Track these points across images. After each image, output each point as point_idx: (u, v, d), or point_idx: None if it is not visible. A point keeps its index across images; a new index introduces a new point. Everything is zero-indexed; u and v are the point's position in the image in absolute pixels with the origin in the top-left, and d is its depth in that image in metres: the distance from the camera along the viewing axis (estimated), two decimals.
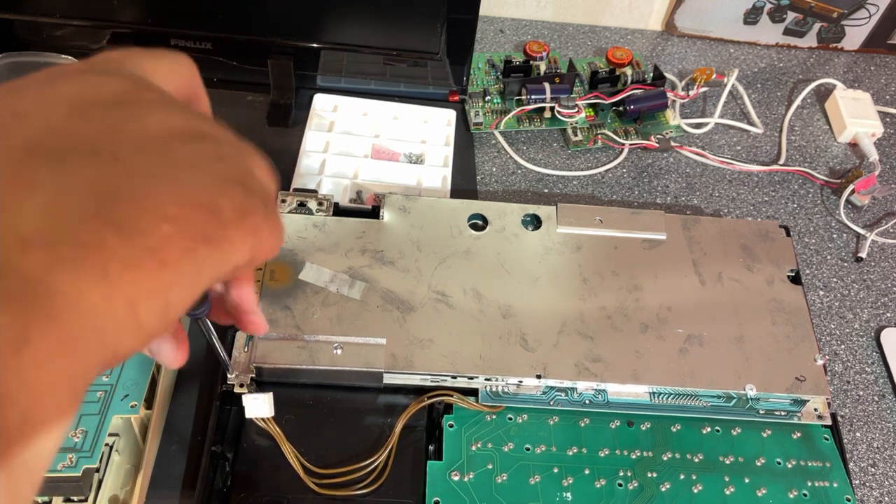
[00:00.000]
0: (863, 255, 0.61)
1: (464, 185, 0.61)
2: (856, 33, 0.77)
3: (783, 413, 0.46)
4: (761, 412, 0.46)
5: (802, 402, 0.46)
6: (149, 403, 0.43)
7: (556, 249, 0.50)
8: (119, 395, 0.41)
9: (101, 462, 0.40)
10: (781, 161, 0.67)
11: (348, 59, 0.64)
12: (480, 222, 0.51)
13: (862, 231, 0.62)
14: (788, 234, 0.53)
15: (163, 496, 0.42)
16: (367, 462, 0.42)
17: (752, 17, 0.76)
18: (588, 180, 0.64)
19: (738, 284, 0.49)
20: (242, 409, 0.43)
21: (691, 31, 0.78)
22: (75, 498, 0.39)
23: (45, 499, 0.39)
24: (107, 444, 0.40)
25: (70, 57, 0.61)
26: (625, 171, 0.65)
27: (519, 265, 0.49)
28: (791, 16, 0.76)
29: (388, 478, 0.42)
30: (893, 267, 0.61)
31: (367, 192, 0.57)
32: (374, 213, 0.52)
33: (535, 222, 0.52)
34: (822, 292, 0.58)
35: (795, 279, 0.50)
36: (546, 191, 0.62)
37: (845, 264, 0.60)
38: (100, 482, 0.40)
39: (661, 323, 0.47)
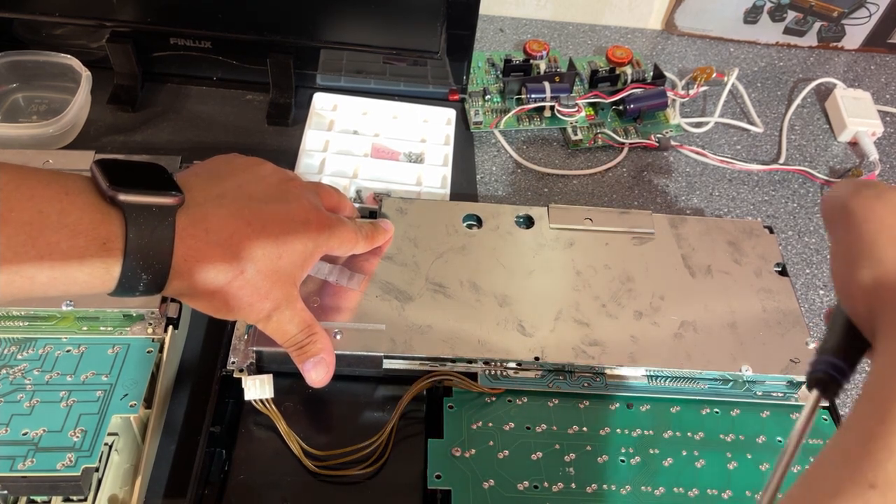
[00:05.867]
0: None
1: (463, 184, 0.61)
2: (856, 32, 0.77)
3: (780, 395, 0.47)
4: (759, 394, 0.46)
5: (798, 385, 0.47)
6: (148, 403, 0.43)
7: (549, 245, 0.51)
8: (118, 394, 0.41)
9: (100, 461, 0.40)
10: (781, 160, 0.67)
11: (348, 58, 0.64)
12: (475, 222, 0.52)
13: None
14: (772, 232, 0.54)
15: (162, 495, 0.42)
16: (367, 443, 0.42)
17: (752, 16, 0.76)
18: (588, 179, 0.64)
19: (727, 276, 0.51)
20: (241, 399, 0.43)
21: (691, 30, 0.78)
22: (75, 497, 0.39)
23: (45, 498, 0.39)
24: (106, 444, 0.40)
25: (70, 56, 0.61)
26: (625, 170, 0.65)
27: (513, 260, 0.50)
28: (791, 15, 0.76)
29: (389, 459, 0.43)
30: None
31: (367, 192, 0.57)
32: (372, 216, 0.52)
33: (527, 222, 0.53)
34: (822, 292, 0.58)
35: (782, 273, 0.51)
36: (546, 190, 0.62)
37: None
38: (99, 482, 0.40)
39: (654, 311, 0.48)
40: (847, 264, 0.26)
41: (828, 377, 0.27)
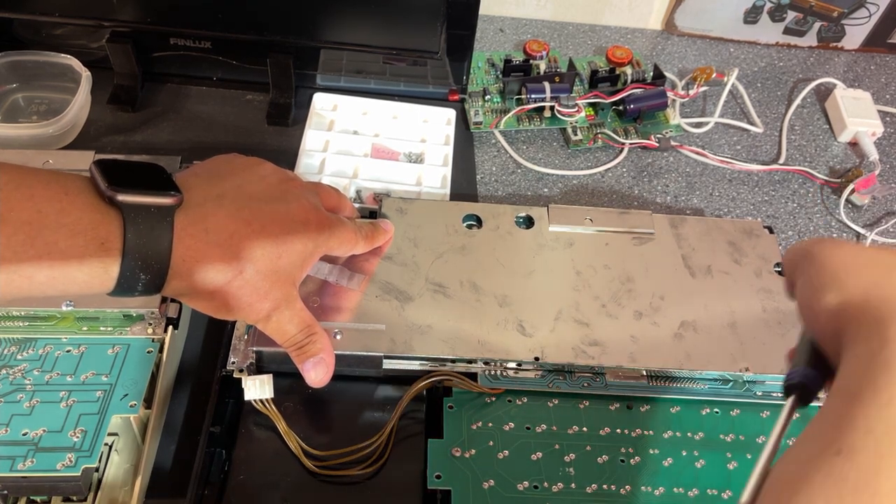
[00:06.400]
0: None
1: (463, 184, 0.61)
2: (856, 32, 0.77)
3: (780, 395, 0.47)
4: (759, 394, 0.46)
5: None
6: (148, 403, 0.42)
7: (549, 245, 0.51)
8: (118, 394, 0.41)
9: (100, 462, 0.40)
10: (781, 160, 0.67)
11: (348, 58, 0.64)
12: (475, 222, 0.52)
13: (862, 230, 0.62)
14: (772, 232, 0.54)
15: (162, 496, 0.42)
16: (366, 443, 0.42)
17: (752, 16, 0.76)
18: (588, 179, 0.64)
19: (727, 276, 0.51)
20: (241, 399, 0.43)
21: (691, 30, 0.78)
22: (74, 497, 0.39)
23: (45, 498, 0.39)
24: (106, 444, 0.40)
25: (70, 56, 0.61)
26: (625, 170, 0.65)
27: (513, 260, 0.50)
28: (791, 15, 0.76)
29: (389, 459, 0.43)
30: None
31: (367, 192, 0.57)
32: (372, 216, 0.52)
33: (527, 222, 0.53)
34: None
35: (782, 273, 0.51)
36: (546, 190, 0.62)
37: None
38: (99, 482, 0.40)
39: (654, 311, 0.48)
40: (814, 294, 0.30)
41: (805, 381, 0.30)
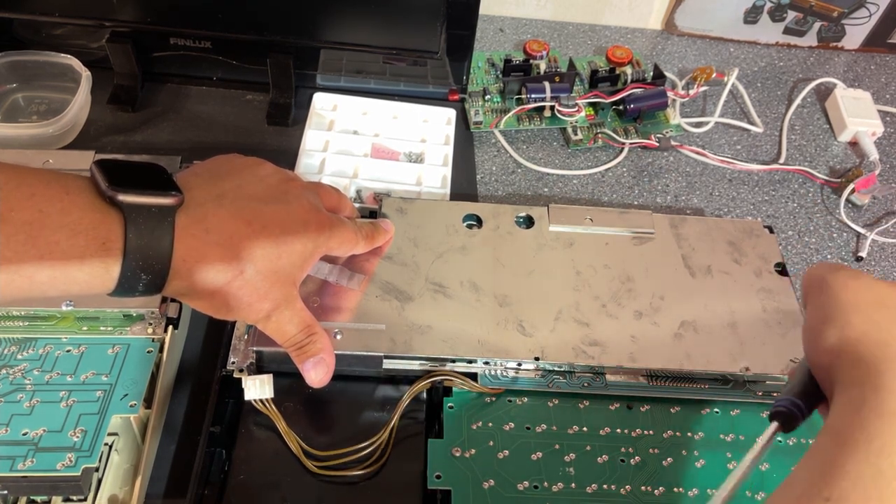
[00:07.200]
0: (863, 254, 0.61)
1: (464, 184, 0.61)
2: (856, 32, 0.77)
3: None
4: (759, 394, 0.46)
5: None
6: (148, 403, 0.43)
7: (549, 245, 0.51)
8: (118, 394, 0.41)
9: (100, 461, 0.40)
10: (782, 160, 0.67)
11: (348, 58, 0.64)
12: (475, 222, 0.52)
13: (862, 230, 0.62)
14: (772, 232, 0.54)
15: (162, 495, 0.42)
16: (367, 443, 0.42)
17: (752, 16, 0.76)
18: (588, 179, 0.64)
19: (727, 276, 0.51)
20: (241, 399, 0.43)
21: (691, 30, 0.78)
22: (74, 497, 0.39)
23: (45, 498, 0.39)
24: (106, 444, 0.40)
25: (70, 56, 0.61)
26: (625, 170, 0.65)
27: (514, 260, 0.50)
28: (791, 15, 0.76)
29: (389, 459, 0.43)
30: (893, 266, 0.61)
31: (367, 192, 0.57)
32: (372, 216, 0.52)
33: (527, 221, 0.53)
34: None
35: (782, 272, 0.51)
36: (546, 190, 0.62)
37: (845, 263, 0.60)
38: (99, 482, 0.40)
39: (654, 311, 0.48)
40: (818, 325, 0.30)
41: (789, 412, 0.31)
